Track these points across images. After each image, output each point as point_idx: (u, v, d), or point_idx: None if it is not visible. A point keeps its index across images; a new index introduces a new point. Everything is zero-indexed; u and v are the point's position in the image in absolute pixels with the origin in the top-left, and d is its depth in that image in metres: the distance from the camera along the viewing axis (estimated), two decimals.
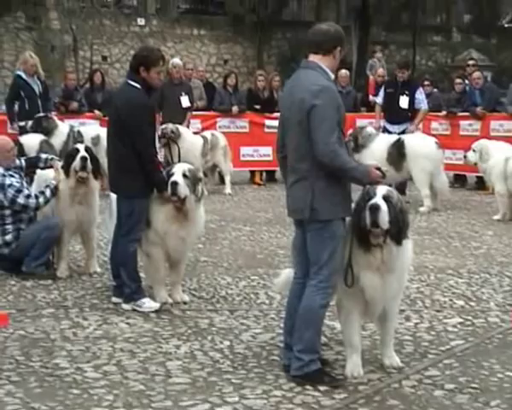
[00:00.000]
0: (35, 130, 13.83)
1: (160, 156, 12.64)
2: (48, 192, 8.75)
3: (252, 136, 17.00)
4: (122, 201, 7.58)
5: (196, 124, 16.52)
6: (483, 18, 39.16)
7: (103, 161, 8.20)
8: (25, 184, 8.97)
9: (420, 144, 13.53)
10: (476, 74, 16.51)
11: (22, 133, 13.83)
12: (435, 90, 18.25)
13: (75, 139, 13.99)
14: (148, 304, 7.53)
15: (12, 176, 8.78)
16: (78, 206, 8.85)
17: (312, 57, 5.76)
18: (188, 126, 15.46)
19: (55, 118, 14.68)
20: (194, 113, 16.22)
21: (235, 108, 16.85)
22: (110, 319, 7.30)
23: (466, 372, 6.00)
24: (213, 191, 15.11)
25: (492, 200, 13.42)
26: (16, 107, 14.39)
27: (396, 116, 14.74)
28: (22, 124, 14.05)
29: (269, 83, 17.02)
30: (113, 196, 7.85)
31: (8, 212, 8.77)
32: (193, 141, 14.89)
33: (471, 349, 6.53)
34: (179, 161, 9.04)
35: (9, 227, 8.80)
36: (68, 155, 8.95)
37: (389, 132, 14.48)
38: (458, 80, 17.02)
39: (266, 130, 16.28)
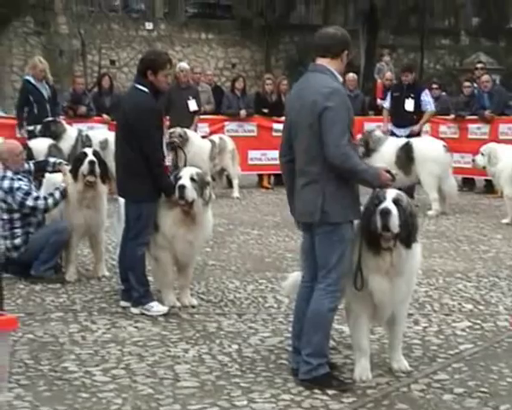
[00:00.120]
0: (44, 134, 13.88)
1: (168, 160, 12.69)
2: (57, 194, 8.76)
3: (260, 139, 17.02)
4: (130, 205, 7.60)
5: (204, 128, 16.53)
6: (491, 21, 39.08)
7: (111, 164, 8.21)
8: (33, 188, 8.99)
9: (428, 148, 13.52)
10: (485, 77, 16.49)
11: (31, 137, 13.88)
12: (443, 93, 18.23)
13: (83, 143, 14.03)
14: (156, 308, 7.53)
15: (20, 179, 8.80)
16: (87, 210, 8.87)
17: (320, 61, 5.76)
18: (195, 130, 15.47)
19: (64, 122, 14.73)
20: (202, 117, 16.23)
21: (243, 112, 16.86)
22: (119, 322, 7.31)
23: (475, 376, 5.98)
24: (221, 195, 15.13)
25: (501, 203, 13.38)
26: (25, 111, 14.43)
27: (402, 119, 14.77)
28: (31, 128, 14.10)
29: (277, 87, 17.03)
30: (122, 200, 7.87)
31: (17, 215, 8.79)
32: (201, 145, 14.90)
33: (480, 353, 6.51)
34: (185, 166, 9.05)
35: (18, 231, 8.82)
36: (76, 159, 8.97)
37: (396, 136, 14.48)
38: (467, 83, 17.00)
39: (274, 134, 16.26)
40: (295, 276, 6.54)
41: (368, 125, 16.85)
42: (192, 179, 7.55)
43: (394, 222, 5.52)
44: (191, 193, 7.50)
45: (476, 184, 16.62)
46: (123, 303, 7.77)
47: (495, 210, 13.81)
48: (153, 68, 7.45)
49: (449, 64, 39.61)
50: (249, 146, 16.98)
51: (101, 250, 9.18)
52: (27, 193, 8.71)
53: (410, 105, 14.71)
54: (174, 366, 6.19)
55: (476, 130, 16.38)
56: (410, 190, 13.79)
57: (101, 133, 14.69)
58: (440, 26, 42.42)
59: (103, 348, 6.58)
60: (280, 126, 15.17)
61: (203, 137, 15.67)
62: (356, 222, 5.76)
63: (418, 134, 14.76)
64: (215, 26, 38.56)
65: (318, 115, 5.52)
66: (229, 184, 16.13)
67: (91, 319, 7.40)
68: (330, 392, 5.64)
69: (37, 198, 8.72)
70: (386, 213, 5.52)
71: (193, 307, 7.80)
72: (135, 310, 7.57)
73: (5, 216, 8.85)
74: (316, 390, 5.66)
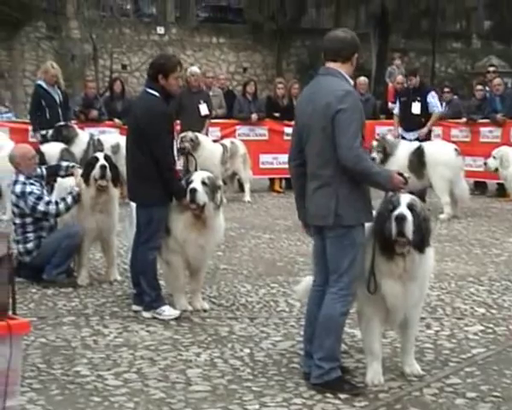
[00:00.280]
0: (55, 138, 13.91)
1: (179, 165, 12.70)
2: (69, 199, 8.78)
3: (271, 143, 17.03)
4: (141, 209, 7.61)
5: (216, 132, 16.55)
6: (503, 24, 38.99)
7: (123, 169, 8.22)
8: (45, 192, 9.01)
9: (439, 152, 13.49)
10: (497, 81, 16.47)
11: (43, 142, 13.91)
12: (455, 97, 18.21)
13: (95, 147, 14.06)
14: (168, 312, 7.54)
15: (33, 184, 8.82)
16: (98, 214, 8.89)
17: (331, 65, 5.76)
18: (206, 134, 15.48)
19: (76, 126, 14.76)
20: (214, 121, 16.26)
21: (254, 116, 16.87)
22: (130, 326, 7.32)
23: (488, 381, 5.96)
24: (233, 199, 15.14)
25: None
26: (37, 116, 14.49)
27: (410, 123, 14.81)
28: (43, 133, 14.14)
29: (288, 90, 17.04)
30: (133, 204, 7.88)
31: (29, 220, 8.81)
32: (212, 149, 14.92)
33: (493, 357, 6.49)
34: (195, 170, 9.06)
35: (31, 235, 8.85)
36: (88, 164, 8.99)
37: (406, 140, 14.48)
38: (479, 87, 16.98)
39: (286, 137, 16.25)
40: (308, 280, 6.53)
41: (379, 129, 16.88)
42: (203, 183, 7.55)
43: (409, 228, 5.50)
44: (202, 197, 7.50)
45: (488, 187, 16.58)
46: (135, 307, 7.78)
47: (507, 214, 13.78)
48: (163, 72, 7.47)
49: (460, 67, 39.52)
50: (260, 150, 16.99)
51: (112, 254, 9.19)
52: (39, 198, 8.73)
53: (416, 108, 14.75)
54: (186, 370, 6.19)
55: (488, 133, 16.34)
56: (421, 194, 13.79)
57: (113, 137, 14.72)
58: (452, 29, 42.36)
59: (115, 352, 6.58)
60: (291, 130, 15.29)
61: (214, 141, 15.70)
62: (367, 226, 5.75)
63: (428, 137, 14.74)
64: (226, 30, 38.62)
65: (331, 118, 5.52)
66: (241, 188, 16.14)
67: (103, 323, 7.41)
68: (342, 396, 5.63)
69: (48, 203, 8.74)
70: (401, 220, 5.50)
71: (204, 311, 7.81)
72: (147, 314, 7.57)
73: (17, 220, 8.88)
74: (328, 394, 5.65)
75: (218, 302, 8.14)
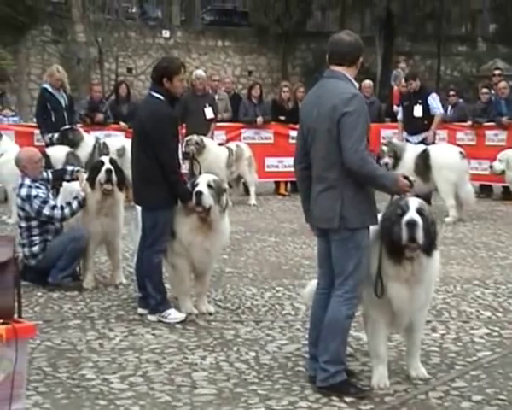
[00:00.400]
0: (61, 142, 13.94)
1: (184, 168, 12.71)
2: (75, 204, 8.79)
3: (276, 146, 17.03)
4: (146, 212, 7.62)
5: (221, 135, 16.57)
6: (509, 27, 38.96)
7: (128, 172, 8.23)
8: (51, 196, 9.03)
9: (444, 155, 13.47)
10: (502, 84, 16.45)
11: (49, 145, 13.94)
12: (460, 100, 18.19)
13: (101, 151, 14.08)
14: (173, 315, 7.54)
15: (38, 187, 8.83)
16: (104, 217, 8.90)
17: (336, 68, 5.76)
18: (212, 138, 15.49)
19: (81, 130, 14.79)
20: (219, 124, 16.27)
21: (259, 119, 16.88)
22: (136, 330, 7.32)
23: (493, 384, 5.95)
24: (238, 202, 15.13)
25: None
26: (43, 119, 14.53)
27: (413, 126, 14.84)
28: (49, 136, 14.16)
29: (293, 94, 17.04)
30: (139, 208, 7.89)
31: (34, 223, 8.83)
32: (217, 152, 14.92)
33: (498, 360, 6.48)
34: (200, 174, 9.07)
35: (36, 239, 8.86)
36: (93, 168, 9.01)
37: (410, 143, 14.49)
38: (484, 90, 16.95)
39: (291, 141, 16.24)
40: (314, 283, 6.51)
41: (384, 132, 16.89)
42: (209, 186, 7.56)
43: (420, 233, 5.49)
44: (208, 199, 7.51)
45: (494, 190, 16.56)
46: (140, 311, 7.78)
47: None
48: (168, 75, 7.48)
49: (466, 71, 39.52)
50: (266, 153, 17.00)
51: (118, 258, 9.20)
52: (44, 201, 8.74)
53: (418, 111, 14.77)
54: (191, 373, 6.19)
55: (493, 136, 16.32)
56: (427, 197, 13.78)
57: (119, 141, 14.74)
58: (457, 32, 42.36)
59: (121, 356, 6.59)
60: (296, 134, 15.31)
61: (220, 144, 15.70)
62: (372, 228, 5.75)
63: (433, 141, 14.72)
64: (232, 33, 38.69)
65: (337, 121, 5.52)
66: (246, 191, 16.14)
67: (109, 327, 7.41)
68: (348, 399, 5.62)
69: (53, 207, 8.75)
70: (412, 225, 5.48)
71: (210, 314, 7.80)
72: (152, 317, 7.58)
73: (23, 224, 8.89)
74: (333, 397, 5.64)
75: (224, 305, 8.15)
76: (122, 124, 15.87)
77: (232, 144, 15.77)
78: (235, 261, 10.22)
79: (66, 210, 8.76)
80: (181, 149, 10.45)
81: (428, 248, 5.61)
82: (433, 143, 14.57)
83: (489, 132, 16.43)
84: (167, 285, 7.89)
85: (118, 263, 9.19)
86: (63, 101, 14.37)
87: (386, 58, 35.92)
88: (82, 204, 8.80)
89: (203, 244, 7.66)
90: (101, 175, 8.76)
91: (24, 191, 8.77)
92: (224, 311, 7.96)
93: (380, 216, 5.77)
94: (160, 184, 7.42)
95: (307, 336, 6.21)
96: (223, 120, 16.64)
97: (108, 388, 5.89)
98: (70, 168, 9.56)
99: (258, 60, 38.81)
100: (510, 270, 9.75)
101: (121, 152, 13.80)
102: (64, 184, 9.40)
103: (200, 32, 38.55)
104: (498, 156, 13.68)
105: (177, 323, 7.46)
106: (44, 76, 15.80)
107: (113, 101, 17.44)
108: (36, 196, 8.73)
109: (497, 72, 18.55)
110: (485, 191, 16.50)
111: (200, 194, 7.49)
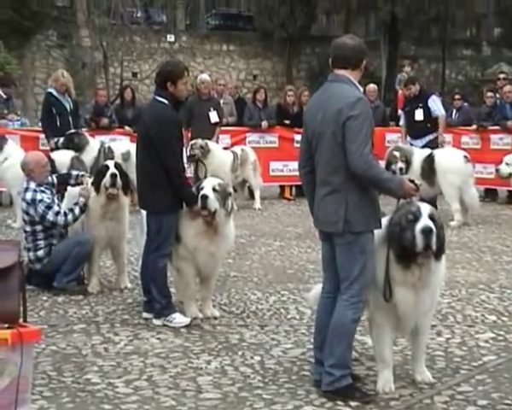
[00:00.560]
0: (66, 146, 13.95)
1: (189, 172, 12.71)
2: (77, 210, 8.80)
3: (281, 151, 17.03)
4: (151, 216, 7.62)
5: (226, 139, 16.56)
6: None
7: (133, 176, 8.24)
8: (55, 201, 9.03)
9: (448, 159, 13.45)
10: (507, 88, 16.43)
11: (53, 149, 13.96)
12: (465, 104, 18.18)
13: (106, 155, 14.09)
14: (178, 319, 7.54)
15: (43, 192, 8.84)
16: (109, 222, 8.91)
17: (340, 72, 5.76)
18: (217, 142, 15.49)
19: (86, 134, 14.80)
20: (224, 128, 16.27)
21: (264, 123, 16.88)
22: (141, 334, 7.32)
23: (499, 388, 5.93)
24: (243, 206, 15.13)
25: None
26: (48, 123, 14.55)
27: (416, 131, 14.83)
28: (54, 140, 14.17)
29: (298, 98, 17.04)
30: (144, 212, 7.89)
31: (39, 228, 8.84)
32: (222, 156, 14.92)
33: (504, 365, 6.46)
34: (205, 176, 9.08)
35: (41, 243, 8.87)
36: (98, 172, 9.01)
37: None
38: (489, 94, 16.93)
39: (296, 145, 16.21)
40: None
41: (389, 136, 16.88)
42: (214, 190, 7.56)
43: (435, 240, 5.49)
44: (213, 203, 7.51)
45: (499, 194, 16.54)
46: (145, 315, 7.78)
47: None
48: (171, 79, 7.49)
49: (471, 75, 39.53)
50: (271, 157, 17.00)
51: (123, 262, 9.21)
52: (49, 206, 8.74)
53: (419, 115, 14.76)
54: (197, 377, 6.19)
55: (498, 140, 16.31)
56: (433, 201, 13.77)
57: (124, 145, 14.76)
58: (462, 36, 42.40)
59: (126, 360, 6.59)
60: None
61: (225, 148, 15.70)
62: (376, 232, 5.74)
63: (436, 145, 14.70)
64: (236, 37, 38.75)
65: (342, 124, 5.52)
66: (251, 195, 16.14)
67: (114, 331, 7.42)
68: (353, 404, 5.61)
69: (57, 213, 8.74)
70: (428, 233, 5.46)
71: (215, 318, 7.80)
72: (157, 321, 7.58)
73: (28, 228, 8.90)
74: (338, 402, 5.63)
75: (229, 310, 8.14)
76: (127, 128, 15.88)
77: (237, 148, 15.77)
78: (240, 265, 10.22)
79: (70, 216, 8.77)
80: (186, 153, 10.45)
81: (438, 253, 5.61)
82: (436, 146, 14.54)
83: (494, 136, 16.41)
84: (172, 289, 7.89)
85: (123, 267, 9.19)
86: (68, 105, 14.39)
87: (390, 62, 35.96)
88: (83, 209, 8.81)
89: (208, 248, 7.66)
90: (107, 179, 8.77)
91: (29, 195, 8.78)
92: (228, 315, 7.96)
93: (385, 220, 5.76)
94: (165, 189, 7.42)
95: (312, 340, 6.20)
96: (228, 124, 16.65)
97: (113, 392, 5.89)
98: (75, 173, 9.57)
99: (262, 64, 38.87)
100: None
101: (126, 156, 13.81)
102: (69, 188, 9.40)
103: (204, 37, 38.63)
104: (505, 159, 13.65)
105: (182, 327, 7.46)
106: (49, 80, 15.82)
107: (118, 105, 17.47)
108: (41, 201, 8.74)
109: (501, 76, 18.53)
110: (490, 195, 16.48)
111: (205, 197, 7.49)
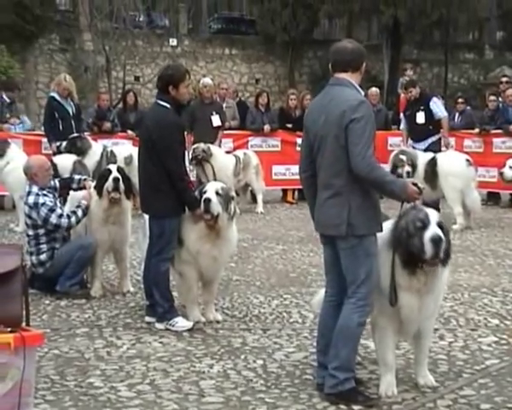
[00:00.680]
0: (69, 150, 13.96)
1: (192, 176, 12.72)
2: (79, 212, 8.81)
3: (284, 154, 17.02)
4: (153, 220, 7.62)
5: (228, 143, 16.58)
6: None
7: (136, 180, 8.25)
8: (58, 204, 9.04)
9: (450, 162, 13.45)
10: (509, 91, 16.42)
11: (56, 153, 13.97)
12: (468, 107, 18.18)
13: (108, 159, 14.10)
14: (181, 323, 7.54)
15: (46, 195, 8.85)
16: (111, 225, 8.91)
17: (341, 75, 5.77)
18: (219, 145, 15.50)
19: (89, 138, 14.81)
20: (227, 132, 16.28)
21: (266, 127, 16.89)
22: (143, 338, 7.32)
23: (502, 392, 5.93)
24: (245, 210, 15.13)
25: None
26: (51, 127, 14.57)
27: (418, 134, 14.84)
28: (57, 144, 14.19)
29: (300, 101, 17.05)
30: (147, 216, 7.89)
31: (42, 231, 8.84)
32: (225, 160, 14.92)
33: (507, 369, 6.45)
34: (215, 179, 9.09)
35: (44, 247, 8.87)
36: (101, 176, 9.02)
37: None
38: (492, 97, 16.92)
39: (298, 148, 16.06)
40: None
41: (392, 140, 16.87)
42: (217, 193, 7.57)
43: (444, 248, 5.49)
44: (216, 207, 7.52)
45: (501, 198, 16.53)
46: (148, 319, 7.79)
47: None
48: (173, 83, 7.50)
49: (473, 78, 39.54)
50: (273, 161, 17.00)
51: (125, 266, 9.21)
52: (51, 209, 8.75)
53: (421, 118, 14.76)
54: (199, 381, 6.19)
55: (501, 144, 16.30)
56: (435, 205, 13.77)
57: (126, 149, 14.76)
58: (464, 40, 42.43)
59: (128, 364, 6.59)
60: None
61: (227, 152, 15.71)
62: (379, 236, 5.73)
63: (439, 148, 14.70)
64: (239, 41, 38.79)
65: (345, 127, 5.52)
66: (254, 199, 16.14)
67: (116, 335, 7.42)
68: (356, 407, 5.61)
69: (60, 216, 8.76)
70: (438, 241, 5.45)
71: (217, 322, 7.80)
72: (159, 325, 7.58)
73: (30, 232, 8.91)
74: (341, 406, 5.63)
75: (231, 313, 8.14)
76: (129, 132, 15.90)
77: (239, 152, 15.78)
78: (243, 269, 10.22)
79: (73, 219, 8.78)
80: (188, 156, 10.43)
81: (445, 259, 5.61)
82: (439, 150, 14.54)
83: (496, 140, 16.40)
84: (175, 293, 7.90)
85: (125, 271, 9.20)
86: (71, 109, 14.42)
87: (393, 66, 35.95)
88: (86, 212, 8.82)
89: (211, 252, 7.66)
90: (109, 183, 8.78)
91: (31, 199, 8.78)
92: (231, 319, 7.96)
93: (389, 224, 5.75)
94: (167, 193, 7.43)
95: (315, 343, 6.20)
96: (230, 128, 16.65)
97: (116, 396, 5.89)
98: (77, 177, 9.58)
99: (265, 68, 38.90)
100: None
101: (129, 160, 13.82)
102: (71, 192, 9.40)
103: (207, 41, 38.67)
104: (508, 163, 13.65)
105: (185, 331, 7.46)
106: (52, 85, 15.85)
107: (121, 109, 17.48)
108: (43, 204, 8.75)
109: (504, 79, 18.52)
110: (492, 199, 16.47)
111: (208, 201, 7.49)
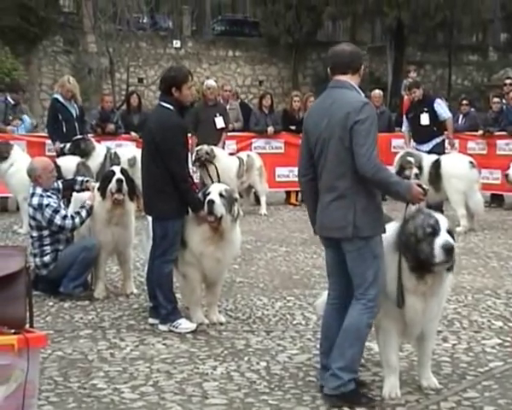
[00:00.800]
0: (73, 152, 13.98)
1: (196, 177, 12.72)
2: (83, 213, 8.82)
3: (287, 156, 17.01)
4: (156, 222, 7.63)
5: (232, 145, 16.58)
6: None
7: (139, 182, 8.25)
8: (62, 205, 9.05)
9: (453, 164, 13.45)
10: None
11: (59, 155, 13.99)
12: (472, 109, 18.17)
13: (112, 161, 14.13)
14: (184, 325, 7.54)
15: (49, 197, 8.86)
16: (115, 227, 8.92)
17: (341, 77, 5.78)
18: (223, 147, 15.50)
19: (93, 140, 14.83)
20: (230, 134, 16.28)
21: (270, 129, 16.89)
22: (147, 339, 7.32)
23: (505, 394, 5.92)
24: (249, 212, 15.13)
25: None
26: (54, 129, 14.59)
27: (422, 135, 14.81)
28: (61, 146, 14.21)
29: (304, 103, 17.04)
30: (150, 218, 7.90)
31: (46, 233, 8.85)
32: (228, 162, 14.92)
33: (510, 371, 6.44)
34: (219, 180, 9.09)
35: (47, 248, 8.88)
36: (104, 178, 9.04)
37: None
38: (496, 99, 16.91)
39: None
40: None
41: (395, 142, 16.85)
42: (221, 195, 7.58)
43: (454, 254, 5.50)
44: (220, 208, 7.52)
45: (505, 200, 16.51)
46: (151, 320, 7.79)
47: None
48: (176, 84, 7.50)
49: (477, 80, 39.50)
50: (277, 163, 17.00)
51: (129, 267, 9.22)
52: (56, 211, 8.76)
53: (425, 119, 14.74)
54: (202, 383, 6.19)
55: (505, 146, 16.29)
56: (439, 207, 13.76)
57: (130, 151, 14.79)
58: (468, 41, 42.39)
59: (132, 366, 6.59)
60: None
61: (231, 154, 15.71)
62: (384, 238, 5.73)
63: (443, 150, 14.69)
64: (242, 43, 38.78)
65: (350, 128, 5.52)
66: (257, 201, 16.15)
67: (120, 337, 7.42)
68: (359, 409, 5.61)
69: (65, 217, 8.77)
70: (450, 250, 5.46)
71: (221, 324, 7.81)
72: (163, 327, 7.58)
73: (34, 233, 8.91)
74: (345, 408, 5.62)
75: (235, 315, 8.14)
76: (133, 134, 15.92)
77: (243, 154, 15.78)
78: (246, 271, 10.22)
79: (77, 220, 8.79)
80: (191, 158, 10.40)
81: (452, 265, 5.62)
82: (443, 151, 14.53)
83: (500, 142, 16.39)
84: (178, 295, 7.90)
85: (129, 273, 9.20)
86: (74, 111, 14.45)
87: (396, 68, 35.91)
88: (90, 212, 8.83)
89: (214, 254, 7.66)
90: (112, 185, 8.79)
91: (35, 200, 8.79)
92: (234, 321, 7.96)
93: (394, 226, 5.74)
94: (171, 194, 7.43)
95: (318, 346, 6.20)
96: (234, 130, 16.66)
97: (119, 397, 5.89)
98: (80, 179, 9.58)
99: (268, 70, 38.89)
100: None
101: (132, 162, 13.84)
102: (74, 194, 9.41)
103: (210, 42, 38.67)
104: None
105: (188, 333, 7.46)
106: (55, 86, 15.87)
107: (124, 111, 17.50)
108: (47, 205, 8.76)
109: (508, 81, 18.44)
110: (496, 201, 16.46)
111: (212, 202, 7.50)
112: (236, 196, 8.09)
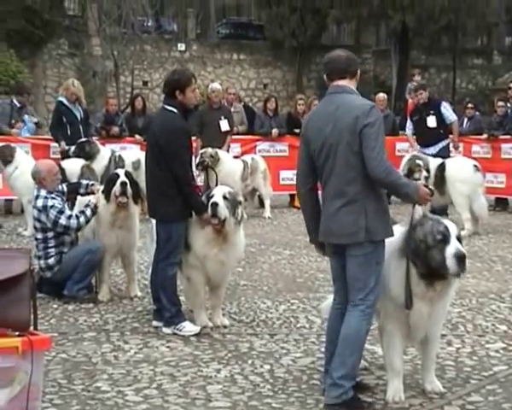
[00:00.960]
0: (77, 155, 14.00)
1: (199, 181, 12.72)
2: (88, 212, 8.83)
3: (291, 159, 16.92)
4: (160, 225, 7.63)
5: (236, 148, 16.58)
6: None
7: (144, 185, 8.26)
8: (66, 206, 9.06)
9: (458, 168, 13.43)
10: None
11: (64, 158, 14.01)
12: (477, 113, 18.17)
13: (116, 164, 14.14)
14: (188, 328, 7.54)
15: (54, 198, 8.87)
16: (119, 230, 8.93)
17: (341, 82, 5.78)
18: (227, 150, 15.50)
19: (97, 143, 14.85)
20: (235, 137, 16.27)
21: (275, 131, 16.90)
22: (151, 342, 7.33)
23: (510, 399, 5.90)
24: (253, 215, 15.13)
25: None
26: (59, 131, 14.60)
27: (428, 138, 14.80)
28: (66, 148, 14.23)
29: (308, 107, 17.04)
30: (154, 220, 7.90)
31: (50, 234, 8.86)
32: (232, 165, 14.93)
33: None
34: (216, 185, 9.09)
35: (52, 251, 8.89)
36: (109, 181, 9.04)
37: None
38: (500, 103, 16.89)
39: None
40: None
41: (400, 146, 16.84)
42: (224, 198, 7.58)
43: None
44: (224, 211, 7.52)
45: (509, 203, 16.49)
46: (155, 323, 7.79)
47: None
48: (180, 87, 7.51)
49: (481, 84, 39.49)
50: (281, 166, 16.99)
51: (133, 270, 9.22)
52: (60, 211, 8.78)
53: (432, 122, 14.74)
54: (206, 386, 6.19)
55: (509, 149, 16.27)
56: (443, 210, 13.75)
57: (134, 154, 14.80)
58: (473, 45, 42.36)
59: (136, 368, 6.59)
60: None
61: (235, 157, 15.72)
62: (388, 241, 5.72)
63: (448, 154, 14.68)
64: (247, 46, 38.80)
65: (359, 132, 5.51)
66: (261, 204, 16.15)
67: (124, 339, 7.42)
68: None
69: (69, 217, 8.79)
70: (463, 258, 5.45)
71: (225, 327, 7.80)
72: (167, 330, 7.59)
73: (39, 235, 8.93)
74: None
75: (239, 318, 8.14)
76: (137, 137, 15.93)
77: (247, 157, 15.79)
78: (250, 274, 10.22)
79: (82, 219, 8.80)
80: (195, 161, 10.38)
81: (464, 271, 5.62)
82: (448, 155, 14.52)
83: (505, 146, 16.38)
84: (182, 298, 7.90)
85: (133, 275, 9.21)
86: (79, 114, 14.47)
87: (401, 71, 35.93)
88: (95, 211, 8.84)
89: (218, 257, 7.66)
90: (117, 188, 8.80)
91: (40, 202, 8.81)
92: (238, 324, 7.96)
93: (399, 230, 5.73)
94: (174, 197, 7.43)
95: (322, 349, 6.20)
96: (238, 133, 16.66)
97: (123, 400, 5.90)
98: (85, 182, 9.60)
99: (273, 73, 38.90)
100: None
101: (136, 165, 13.85)
102: (79, 197, 9.42)
103: (215, 46, 38.70)
104: None
105: (192, 335, 7.46)
106: (60, 89, 15.90)
107: (129, 114, 17.51)
108: (52, 207, 8.77)
109: None
110: (500, 205, 16.44)
111: (215, 205, 7.50)
112: (240, 198, 8.08)
